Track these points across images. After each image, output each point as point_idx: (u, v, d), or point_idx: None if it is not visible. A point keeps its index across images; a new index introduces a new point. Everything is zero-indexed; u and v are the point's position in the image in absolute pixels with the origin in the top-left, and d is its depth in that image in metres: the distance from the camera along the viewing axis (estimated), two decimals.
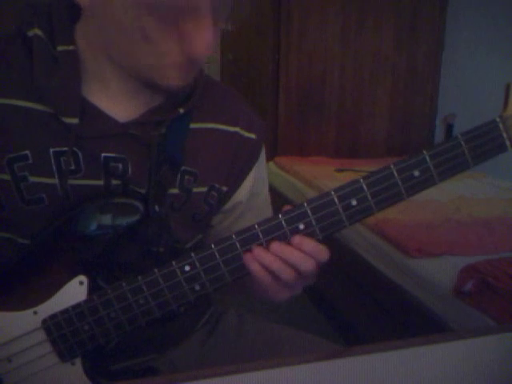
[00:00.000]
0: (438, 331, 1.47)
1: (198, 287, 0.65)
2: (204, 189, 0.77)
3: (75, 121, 0.66)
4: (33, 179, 0.67)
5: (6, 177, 0.67)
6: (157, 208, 0.69)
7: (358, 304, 2.02)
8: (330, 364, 0.61)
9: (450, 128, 3.15)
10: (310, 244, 0.62)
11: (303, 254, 0.62)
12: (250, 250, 0.63)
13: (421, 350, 0.64)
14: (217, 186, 0.78)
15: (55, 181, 0.67)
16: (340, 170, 2.63)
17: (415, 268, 1.64)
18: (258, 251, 0.62)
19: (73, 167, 0.68)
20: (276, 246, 0.62)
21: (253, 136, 0.81)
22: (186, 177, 0.74)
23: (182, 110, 0.72)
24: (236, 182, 0.81)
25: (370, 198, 0.62)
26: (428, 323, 1.55)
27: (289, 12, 2.83)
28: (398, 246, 1.74)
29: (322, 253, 0.63)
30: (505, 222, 1.92)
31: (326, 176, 2.51)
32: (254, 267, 0.62)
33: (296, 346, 0.85)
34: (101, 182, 0.69)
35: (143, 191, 0.70)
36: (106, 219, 0.67)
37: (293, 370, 0.59)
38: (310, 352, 0.77)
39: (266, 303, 1.66)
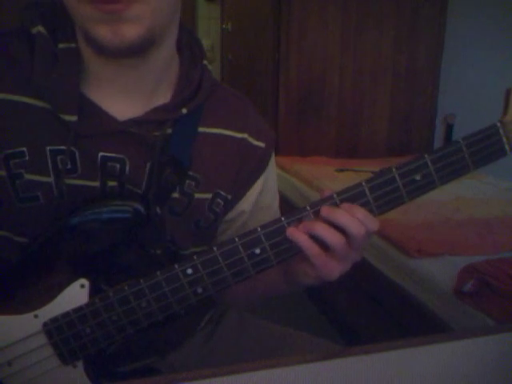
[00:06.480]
0: (438, 331, 1.47)
1: (200, 290, 0.64)
2: (208, 195, 0.75)
3: (74, 118, 0.65)
4: (28, 177, 0.66)
5: (2, 173, 0.66)
6: (158, 210, 0.69)
7: (358, 304, 2.01)
8: (330, 364, 0.61)
9: (450, 128, 3.15)
10: (360, 210, 0.62)
11: (353, 217, 0.62)
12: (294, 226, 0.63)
13: (421, 350, 0.64)
14: (222, 193, 0.77)
15: (50, 179, 0.67)
16: (340, 170, 2.63)
17: (415, 268, 1.64)
18: (305, 223, 0.62)
19: (69, 166, 0.67)
20: (325, 209, 0.62)
21: (261, 145, 0.80)
22: (188, 181, 0.73)
23: (185, 111, 0.71)
24: (241, 190, 0.79)
25: (371, 201, 0.62)
26: (428, 323, 1.54)
27: (289, 12, 2.82)
28: (398, 247, 1.74)
29: (373, 221, 0.62)
30: (505, 222, 1.92)
31: (326, 176, 2.50)
32: (301, 238, 0.62)
33: (296, 346, 0.85)
34: (97, 184, 0.68)
35: (140, 192, 0.69)
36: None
37: (293, 369, 0.59)
38: (310, 352, 0.77)
39: (270, 302, 1.65)
